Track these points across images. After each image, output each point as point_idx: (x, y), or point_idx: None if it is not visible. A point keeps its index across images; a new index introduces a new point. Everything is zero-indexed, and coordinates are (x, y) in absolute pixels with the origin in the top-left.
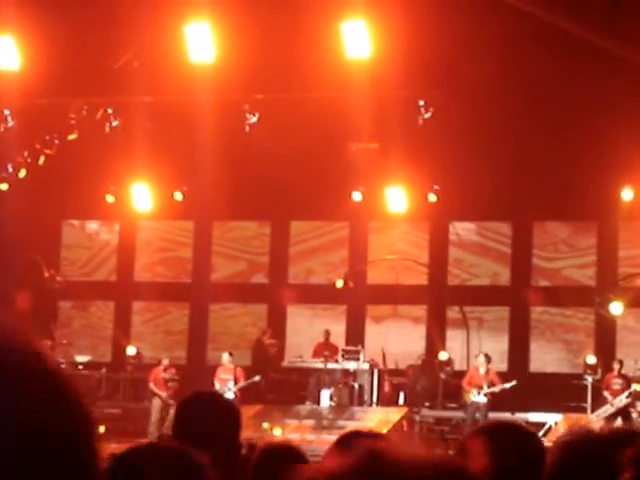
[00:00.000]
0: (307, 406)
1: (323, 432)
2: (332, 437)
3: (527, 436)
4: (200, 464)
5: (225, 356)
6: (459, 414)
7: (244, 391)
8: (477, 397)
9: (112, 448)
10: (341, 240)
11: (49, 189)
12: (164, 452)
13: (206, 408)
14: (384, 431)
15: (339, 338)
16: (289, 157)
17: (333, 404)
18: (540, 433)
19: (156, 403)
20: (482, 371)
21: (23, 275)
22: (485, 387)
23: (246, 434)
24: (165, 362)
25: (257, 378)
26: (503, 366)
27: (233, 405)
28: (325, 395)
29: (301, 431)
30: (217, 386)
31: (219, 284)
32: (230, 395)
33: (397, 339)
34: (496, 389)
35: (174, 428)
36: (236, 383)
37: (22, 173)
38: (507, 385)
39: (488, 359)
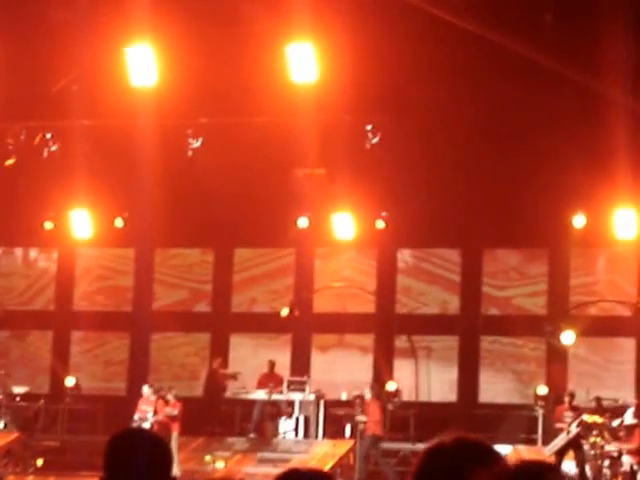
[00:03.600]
0: (251, 438)
1: (267, 465)
2: (276, 470)
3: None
4: None
5: (145, 388)
6: (407, 446)
7: (186, 422)
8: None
9: None
10: (286, 267)
11: None
12: None
13: (137, 443)
14: (330, 464)
15: (284, 368)
16: (233, 182)
17: (280, 437)
18: None
19: None
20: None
21: None
22: None
23: (189, 466)
24: (169, 397)
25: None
26: (452, 396)
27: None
28: (271, 427)
29: (244, 464)
30: (136, 417)
31: (161, 313)
32: (147, 425)
33: (344, 369)
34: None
35: (105, 465)
36: (155, 414)
37: None
38: None
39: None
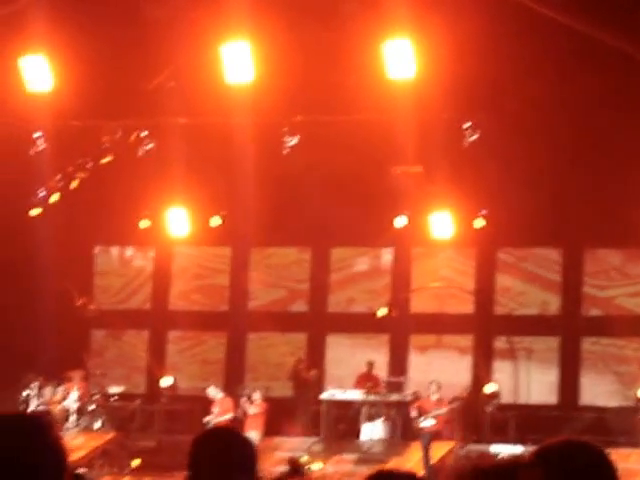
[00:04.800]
0: (347, 439)
1: (364, 466)
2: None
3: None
4: None
5: (210, 390)
6: (506, 448)
7: (282, 423)
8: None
9: None
10: (384, 267)
11: (82, 214)
12: None
13: (221, 442)
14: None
15: (381, 369)
16: (330, 181)
17: (375, 438)
18: None
19: None
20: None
21: (55, 303)
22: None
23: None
24: (255, 396)
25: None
26: (552, 398)
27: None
28: (367, 428)
29: (342, 465)
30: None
31: (257, 312)
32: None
33: (442, 370)
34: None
35: (190, 464)
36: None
37: (54, 198)
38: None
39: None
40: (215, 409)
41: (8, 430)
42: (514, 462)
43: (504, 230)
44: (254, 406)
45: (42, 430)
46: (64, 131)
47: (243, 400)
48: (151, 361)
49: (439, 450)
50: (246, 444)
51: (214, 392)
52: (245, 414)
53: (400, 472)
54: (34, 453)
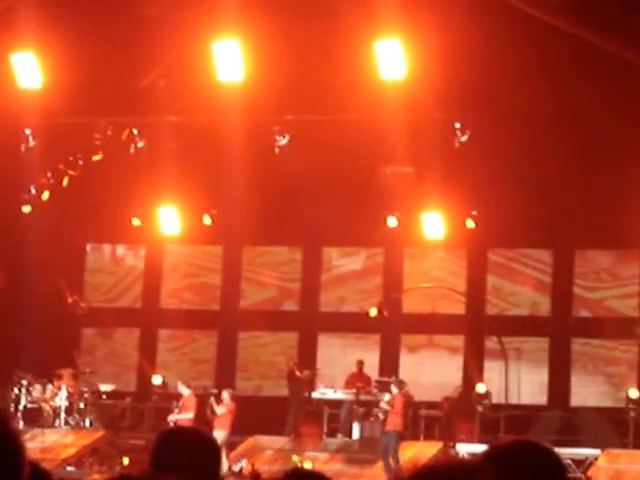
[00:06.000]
0: (338, 439)
1: (355, 466)
2: (363, 471)
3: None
4: None
5: (180, 386)
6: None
7: (272, 422)
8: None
9: None
10: (375, 267)
11: (73, 212)
12: None
13: (184, 440)
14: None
15: (372, 369)
16: (321, 180)
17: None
18: (580, 469)
19: None
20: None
21: (46, 301)
22: None
23: (275, 467)
24: (225, 395)
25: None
26: (542, 399)
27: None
28: (357, 428)
29: (331, 465)
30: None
31: (248, 311)
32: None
33: (433, 370)
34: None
35: (151, 460)
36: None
37: (45, 195)
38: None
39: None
40: (179, 405)
41: None
42: (466, 463)
43: (495, 231)
44: (222, 406)
45: None
46: (54, 128)
47: (211, 399)
48: (141, 359)
49: (427, 450)
50: (209, 442)
51: (182, 388)
52: (213, 413)
53: (308, 471)
54: None
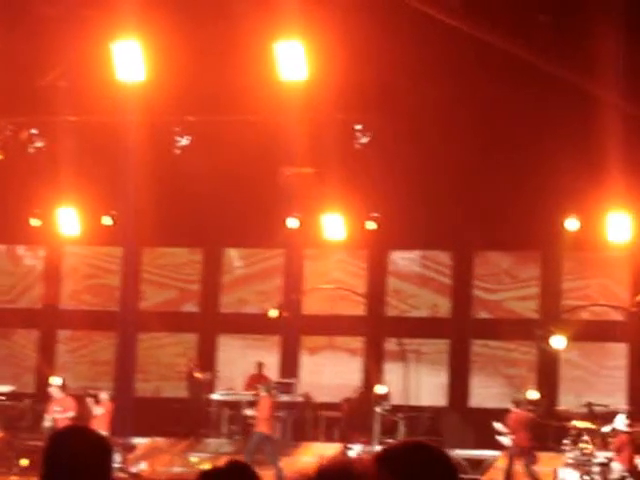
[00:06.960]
0: (237, 440)
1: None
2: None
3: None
4: None
5: (53, 388)
6: None
7: (173, 424)
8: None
9: None
10: (275, 268)
11: None
12: None
13: (76, 442)
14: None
15: (272, 370)
16: (221, 181)
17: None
18: (478, 470)
19: None
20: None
21: None
22: None
23: (175, 468)
24: (103, 396)
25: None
26: (442, 400)
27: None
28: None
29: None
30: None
31: (148, 312)
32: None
33: (333, 371)
34: None
35: (44, 462)
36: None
37: None
38: None
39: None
40: (56, 408)
41: None
42: (352, 465)
43: (395, 232)
44: (100, 406)
45: None
46: None
47: (89, 400)
48: (40, 360)
49: (326, 451)
50: (102, 444)
51: (55, 391)
52: (90, 414)
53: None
54: None
